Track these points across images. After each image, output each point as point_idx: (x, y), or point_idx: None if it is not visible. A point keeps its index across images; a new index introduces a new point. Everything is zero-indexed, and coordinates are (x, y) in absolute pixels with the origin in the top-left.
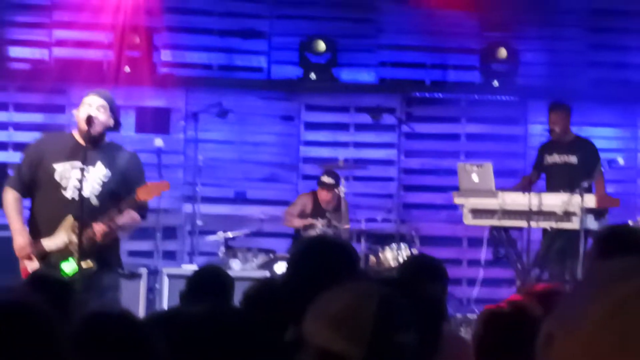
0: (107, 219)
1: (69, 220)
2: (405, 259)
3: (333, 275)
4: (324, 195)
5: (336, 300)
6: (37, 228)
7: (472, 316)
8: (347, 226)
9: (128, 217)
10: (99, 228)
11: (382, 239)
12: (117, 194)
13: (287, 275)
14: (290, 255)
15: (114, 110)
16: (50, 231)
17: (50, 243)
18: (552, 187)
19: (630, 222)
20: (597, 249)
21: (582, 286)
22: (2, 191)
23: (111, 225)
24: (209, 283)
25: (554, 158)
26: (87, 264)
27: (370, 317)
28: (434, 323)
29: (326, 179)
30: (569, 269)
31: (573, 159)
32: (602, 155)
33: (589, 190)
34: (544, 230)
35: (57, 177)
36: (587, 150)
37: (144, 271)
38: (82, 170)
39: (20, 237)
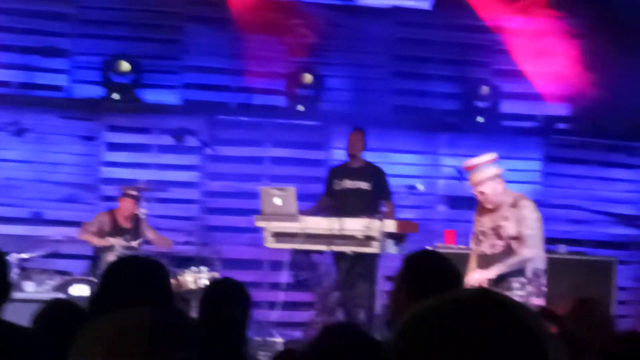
0: None
1: None
2: (209, 281)
3: (142, 295)
4: (127, 206)
5: (106, 327)
6: None
7: (272, 339)
8: (162, 243)
9: None
10: None
11: (183, 262)
12: None
13: (96, 294)
14: (102, 275)
15: None
16: None
17: None
18: (343, 212)
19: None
20: (405, 273)
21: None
22: None
23: None
24: None
25: (345, 183)
26: None
27: (143, 342)
28: (233, 344)
29: (130, 190)
30: (366, 293)
31: (364, 185)
32: (403, 182)
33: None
34: (338, 254)
35: None
36: (378, 176)
37: None
38: None
39: None
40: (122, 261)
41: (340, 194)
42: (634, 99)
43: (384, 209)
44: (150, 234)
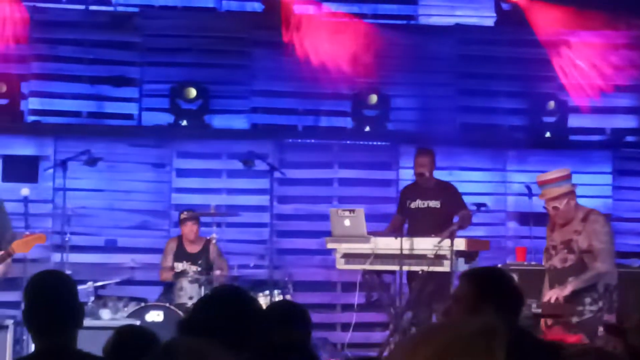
0: None
1: None
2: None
3: (230, 326)
4: (188, 230)
5: None
6: None
7: None
8: (223, 272)
9: (4, 267)
10: None
11: (255, 285)
12: None
13: (187, 322)
14: (196, 302)
15: None
16: None
17: None
18: (415, 232)
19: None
20: (474, 289)
21: (405, 339)
22: None
23: None
24: None
25: (417, 203)
26: None
27: None
28: None
29: (184, 215)
30: (439, 312)
31: (436, 204)
32: (472, 199)
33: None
34: (411, 274)
35: None
36: (448, 193)
37: (10, 322)
38: None
39: None
40: (215, 291)
41: (411, 213)
42: None
43: (456, 219)
44: (217, 261)
